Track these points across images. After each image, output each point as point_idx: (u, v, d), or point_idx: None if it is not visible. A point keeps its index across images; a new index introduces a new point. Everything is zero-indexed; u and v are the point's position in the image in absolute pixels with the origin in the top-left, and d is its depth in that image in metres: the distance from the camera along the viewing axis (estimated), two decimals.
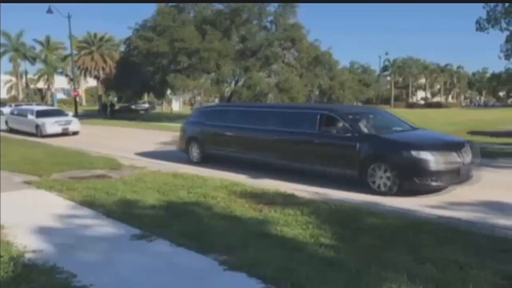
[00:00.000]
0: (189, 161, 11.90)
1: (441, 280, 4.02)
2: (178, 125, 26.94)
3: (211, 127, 11.57)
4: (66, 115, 24.00)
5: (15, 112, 25.44)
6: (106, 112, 43.34)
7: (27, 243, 5.14)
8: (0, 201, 7.11)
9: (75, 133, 22.05)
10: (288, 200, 7.17)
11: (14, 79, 75.01)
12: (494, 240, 5.18)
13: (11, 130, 24.02)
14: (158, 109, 60.72)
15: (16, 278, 4.15)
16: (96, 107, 57.54)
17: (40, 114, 22.64)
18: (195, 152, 11.91)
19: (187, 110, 54.41)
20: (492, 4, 15.67)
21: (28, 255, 4.76)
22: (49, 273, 4.28)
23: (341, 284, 3.96)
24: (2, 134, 21.73)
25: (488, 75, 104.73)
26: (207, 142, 11.62)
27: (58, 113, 24.09)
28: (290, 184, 8.72)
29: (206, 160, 11.55)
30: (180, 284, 4.16)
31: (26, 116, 23.01)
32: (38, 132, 21.39)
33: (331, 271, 4.23)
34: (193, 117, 13.07)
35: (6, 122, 25.18)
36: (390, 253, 4.71)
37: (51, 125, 21.37)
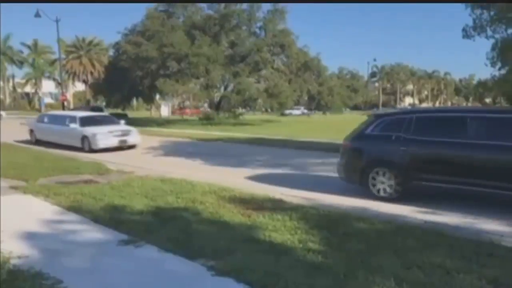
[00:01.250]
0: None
1: (427, 284, 4.05)
2: (169, 130, 27.17)
3: (427, 145, 7.58)
4: (119, 122, 18.70)
5: (45, 119, 19.57)
6: None
7: (13, 248, 5.07)
8: None
9: (131, 147, 17.22)
10: (277, 205, 7.17)
11: (1, 83, 74.25)
12: (479, 244, 5.23)
13: (37, 142, 19.15)
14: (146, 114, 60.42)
15: (1, 285, 4.09)
16: None
17: (86, 121, 17.51)
18: (386, 183, 7.97)
19: (176, 116, 54.30)
20: (478, 12, 15.88)
21: (13, 261, 4.69)
22: (35, 279, 4.22)
23: None
24: (25, 146, 18.01)
25: (474, 81, 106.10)
26: (418, 169, 7.66)
27: (109, 120, 18.97)
28: (279, 189, 8.73)
29: (408, 195, 7.89)
30: None
31: (64, 124, 17.78)
32: (86, 145, 16.55)
33: (319, 276, 4.24)
34: (374, 127, 8.43)
35: (31, 132, 20.17)
36: (377, 257, 4.73)
37: (105, 136, 16.47)
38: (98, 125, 17.33)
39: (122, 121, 19.25)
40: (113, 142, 16.53)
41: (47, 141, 18.53)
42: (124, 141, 16.86)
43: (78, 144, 16.76)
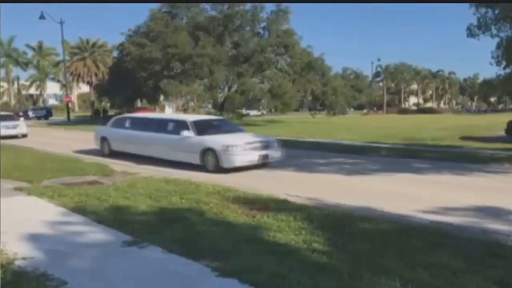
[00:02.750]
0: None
1: (433, 285, 4.03)
2: None
3: None
4: (242, 130, 13.95)
5: (127, 123, 14.74)
6: (99, 118, 43.17)
7: (17, 250, 5.08)
8: None
9: (266, 164, 12.22)
10: (281, 206, 7.15)
11: (6, 85, 74.59)
12: (485, 244, 5.20)
13: (113, 153, 14.51)
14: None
15: (5, 286, 4.10)
16: (89, 113, 57.29)
17: (202, 128, 12.60)
18: None
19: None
20: (482, 11, 15.81)
21: (18, 262, 4.70)
22: (39, 280, 4.23)
23: None
24: (97, 159, 13.72)
25: (479, 81, 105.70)
26: None
27: (229, 127, 14.08)
28: (283, 190, 8.72)
29: None
30: None
31: (166, 131, 12.82)
32: (210, 163, 11.56)
33: (323, 276, 4.22)
34: None
35: (103, 141, 15.13)
36: (382, 258, 4.71)
37: (241, 149, 11.49)
38: (219, 133, 12.64)
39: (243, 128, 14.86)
40: (253, 158, 11.61)
41: (129, 153, 13.99)
42: (266, 157, 11.92)
43: (193, 160, 11.90)
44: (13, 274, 4.37)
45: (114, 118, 16.58)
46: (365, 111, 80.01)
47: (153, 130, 13.32)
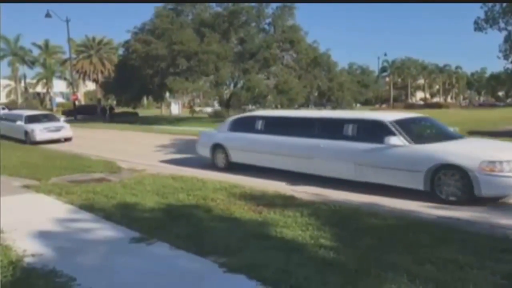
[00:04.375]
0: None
1: (441, 280, 4.01)
2: (183, 129, 26.97)
3: None
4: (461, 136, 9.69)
5: (259, 125, 10.57)
6: (105, 116, 43.29)
7: (26, 247, 5.13)
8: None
9: None
10: (288, 202, 7.16)
11: (13, 83, 74.99)
12: (493, 239, 5.18)
13: (231, 167, 10.92)
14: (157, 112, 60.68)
15: (15, 282, 4.14)
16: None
17: (414, 132, 8.56)
18: None
19: (186, 113, 54.52)
20: (490, 4, 15.70)
21: (27, 259, 4.75)
22: (48, 276, 4.27)
23: (340, 285, 3.96)
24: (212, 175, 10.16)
25: (486, 75, 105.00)
26: None
27: (441, 130, 9.27)
28: (289, 186, 8.72)
29: None
30: (179, 286, 4.15)
31: (338, 137, 8.84)
32: (452, 189, 7.32)
33: (331, 272, 4.22)
34: None
35: (219, 149, 11.32)
36: (389, 253, 4.70)
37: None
38: (443, 140, 8.36)
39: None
40: None
41: (259, 166, 10.38)
42: None
43: (408, 182, 7.86)
44: (22, 271, 4.41)
45: (234, 118, 11.86)
46: (377, 106, 79.38)
47: (311, 135, 9.30)
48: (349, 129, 8.73)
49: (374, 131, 8.45)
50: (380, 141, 8.04)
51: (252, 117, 11.32)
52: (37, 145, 18.28)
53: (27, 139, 19.39)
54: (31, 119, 20.46)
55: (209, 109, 60.44)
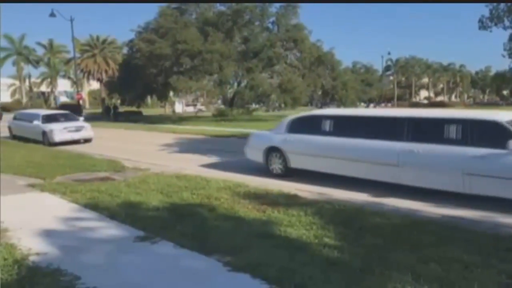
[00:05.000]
0: None
1: (445, 279, 4.00)
2: (190, 128, 26.96)
3: None
4: None
5: (326, 126, 9.02)
6: (110, 115, 43.38)
7: (31, 245, 5.15)
8: (4, 204, 7.14)
9: None
10: (292, 201, 7.15)
11: (17, 82, 75.27)
12: (498, 238, 5.16)
13: (289, 173, 9.62)
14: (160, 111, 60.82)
15: (20, 281, 4.16)
16: (99, 110, 57.63)
17: None
18: None
19: (190, 112, 54.68)
20: (494, 3, 15.61)
21: (32, 258, 4.77)
22: (53, 275, 4.28)
23: (344, 284, 3.95)
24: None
25: (491, 73, 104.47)
26: None
27: None
28: (293, 184, 8.70)
29: None
30: (183, 285, 4.15)
31: (435, 140, 7.33)
32: None
33: (335, 271, 4.22)
34: None
35: (275, 153, 9.88)
36: (394, 252, 4.69)
37: None
38: None
39: None
40: None
41: (326, 173, 9.06)
42: None
43: None
44: (27, 270, 4.42)
45: (294, 117, 10.13)
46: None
47: (398, 138, 7.79)
48: (453, 131, 7.21)
49: (487, 134, 6.99)
50: (497, 145, 6.66)
51: (318, 117, 9.63)
52: (56, 146, 17.20)
53: (45, 140, 18.13)
54: (49, 119, 19.22)
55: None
